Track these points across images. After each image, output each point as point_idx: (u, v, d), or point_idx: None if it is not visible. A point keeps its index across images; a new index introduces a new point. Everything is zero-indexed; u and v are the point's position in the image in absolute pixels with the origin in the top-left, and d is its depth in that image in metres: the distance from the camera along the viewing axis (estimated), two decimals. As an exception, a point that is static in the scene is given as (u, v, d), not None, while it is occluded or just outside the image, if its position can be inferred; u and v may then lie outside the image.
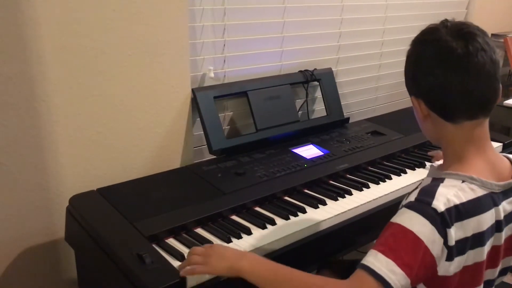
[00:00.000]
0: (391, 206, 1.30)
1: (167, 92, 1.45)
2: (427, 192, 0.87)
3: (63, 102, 1.27)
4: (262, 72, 1.72)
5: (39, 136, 1.25)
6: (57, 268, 1.39)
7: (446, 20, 0.92)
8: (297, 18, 1.78)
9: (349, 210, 1.26)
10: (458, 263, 0.86)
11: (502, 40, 2.61)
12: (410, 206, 0.86)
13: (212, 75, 1.57)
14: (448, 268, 0.85)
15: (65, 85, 1.26)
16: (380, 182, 1.41)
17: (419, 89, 0.93)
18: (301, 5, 1.78)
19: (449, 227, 0.84)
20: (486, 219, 0.88)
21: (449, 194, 0.86)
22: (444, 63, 0.87)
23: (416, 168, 1.53)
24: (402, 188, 1.38)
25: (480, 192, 0.89)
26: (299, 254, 1.16)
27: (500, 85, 0.91)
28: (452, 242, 0.84)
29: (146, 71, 1.39)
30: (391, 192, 1.36)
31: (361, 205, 1.29)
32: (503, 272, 1.00)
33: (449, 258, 0.85)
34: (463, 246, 0.86)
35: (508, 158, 0.98)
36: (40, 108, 1.23)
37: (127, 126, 1.40)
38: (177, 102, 1.48)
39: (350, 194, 1.34)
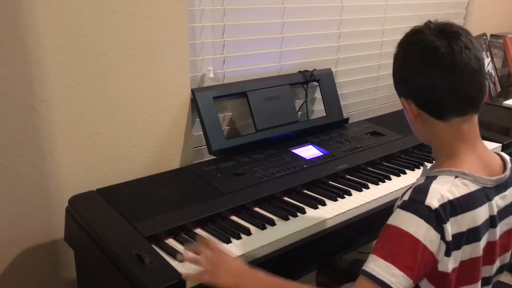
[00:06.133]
0: (391, 207, 1.30)
1: (166, 92, 1.45)
2: (420, 190, 0.88)
3: (63, 102, 1.27)
4: (262, 72, 1.72)
5: (38, 137, 1.25)
6: (56, 268, 1.39)
7: (429, 21, 0.95)
8: (296, 19, 1.78)
9: (348, 210, 1.26)
10: (455, 258, 0.87)
11: (501, 41, 2.61)
12: (404, 206, 0.87)
13: (211, 75, 1.57)
14: (446, 263, 0.86)
15: (64, 86, 1.26)
16: (380, 183, 1.41)
17: (408, 90, 0.95)
18: (300, 6, 1.78)
19: (445, 223, 0.85)
20: (480, 214, 0.90)
21: (442, 190, 0.87)
22: (430, 62, 0.90)
23: (415, 169, 1.53)
24: (401, 188, 1.38)
25: (473, 187, 0.90)
26: (299, 254, 1.16)
27: (486, 82, 0.93)
28: (449, 237, 0.85)
29: (146, 71, 1.39)
30: (390, 193, 1.36)
31: (361, 205, 1.29)
32: (500, 270, 1.01)
33: (447, 253, 0.86)
34: (458, 241, 0.87)
35: (499, 155, 0.99)
36: (40, 109, 1.23)
37: (126, 126, 1.40)
38: (177, 102, 1.48)
39: (350, 194, 1.34)
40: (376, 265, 0.83)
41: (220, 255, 1.00)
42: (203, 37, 1.55)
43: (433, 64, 0.89)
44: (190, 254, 1.00)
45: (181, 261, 1.00)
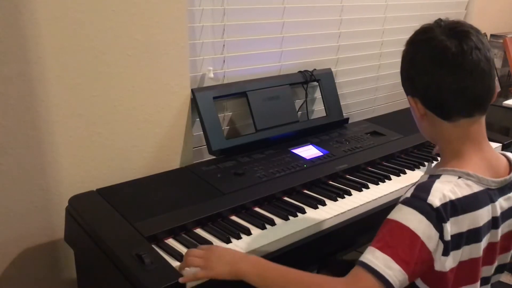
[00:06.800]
0: (390, 207, 1.30)
1: (166, 92, 1.45)
2: (423, 187, 0.88)
3: (63, 102, 1.27)
4: (262, 72, 1.72)
5: (38, 137, 1.25)
6: (56, 268, 1.39)
7: (440, 19, 0.94)
8: (296, 19, 1.78)
9: (348, 210, 1.26)
10: (454, 258, 0.87)
11: (501, 41, 2.61)
12: (406, 202, 0.87)
13: (211, 75, 1.57)
14: (444, 263, 0.86)
15: (64, 86, 1.26)
16: (380, 183, 1.41)
17: (415, 89, 0.94)
18: (300, 6, 1.78)
19: (445, 222, 0.85)
20: (482, 215, 0.89)
21: (445, 190, 0.87)
22: (439, 62, 0.89)
23: (415, 169, 1.53)
24: (401, 188, 1.38)
25: (476, 188, 0.90)
26: (299, 254, 1.16)
27: (495, 83, 0.92)
28: (448, 237, 0.85)
29: (146, 71, 1.39)
30: (390, 193, 1.36)
31: (360, 205, 1.29)
32: (500, 269, 1.00)
33: (445, 253, 0.86)
34: (458, 241, 0.87)
35: (505, 155, 0.99)
36: (40, 109, 1.23)
37: (126, 126, 1.40)
38: (177, 102, 1.48)
39: (350, 194, 1.34)
40: (374, 257, 0.83)
41: (210, 248, 0.99)
42: (203, 37, 1.55)
43: (442, 64, 0.88)
44: (183, 261, 0.99)
45: (180, 269, 0.99)
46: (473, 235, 0.89)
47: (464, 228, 0.87)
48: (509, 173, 0.95)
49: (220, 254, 0.97)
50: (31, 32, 1.17)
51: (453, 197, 0.86)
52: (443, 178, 0.90)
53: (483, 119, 0.94)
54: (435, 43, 0.89)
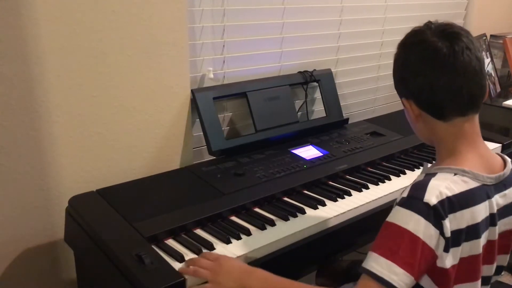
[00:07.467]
0: (391, 207, 1.30)
1: (166, 93, 1.45)
2: (419, 186, 0.89)
3: (63, 102, 1.27)
4: (262, 73, 1.72)
5: (38, 137, 1.25)
6: (56, 268, 1.39)
7: (430, 22, 0.96)
8: (296, 19, 1.78)
9: (348, 211, 1.26)
10: (454, 255, 0.88)
11: (501, 41, 2.61)
12: (403, 203, 0.88)
13: (211, 76, 1.57)
14: (444, 259, 0.87)
15: (64, 86, 1.26)
16: (379, 183, 1.41)
17: (409, 91, 0.96)
18: (300, 6, 1.78)
19: (444, 219, 0.85)
20: (480, 211, 0.90)
21: (441, 187, 0.87)
22: (432, 63, 0.90)
23: (415, 169, 1.53)
24: (401, 189, 1.38)
25: (472, 184, 0.90)
26: (299, 254, 1.16)
27: (487, 81, 0.94)
28: (448, 233, 0.85)
29: (146, 72, 1.39)
30: (390, 193, 1.36)
31: (360, 206, 1.29)
32: (498, 271, 1.01)
33: (446, 249, 0.86)
34: (457, 237, 0.88)
35: (500, 156, 1.00)
36: (40, 109, 1.23)
37: (126, 127, 1.40)
38: (177, 103, 1.48)
39: (349, 195, 1.34)
40: (377, 263, 0.84)
41: (219, 260, 1.00)
42: (203, 38, 1.55)
43: (435, 65, 0.90)
44: (190, 268, 1.00)
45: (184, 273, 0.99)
46: (472, 232, 0.89)
47: (463, 225, 0.88)
48: (503, 170, 0.95)
49: (228, 269, 0.98)
50: (31, 32, 1.17)
51: (449, 194, 0.87)
52: (439, 175, 0.91)
53: (476, 117, 0.95)
54: (427, 45, 0.91)
